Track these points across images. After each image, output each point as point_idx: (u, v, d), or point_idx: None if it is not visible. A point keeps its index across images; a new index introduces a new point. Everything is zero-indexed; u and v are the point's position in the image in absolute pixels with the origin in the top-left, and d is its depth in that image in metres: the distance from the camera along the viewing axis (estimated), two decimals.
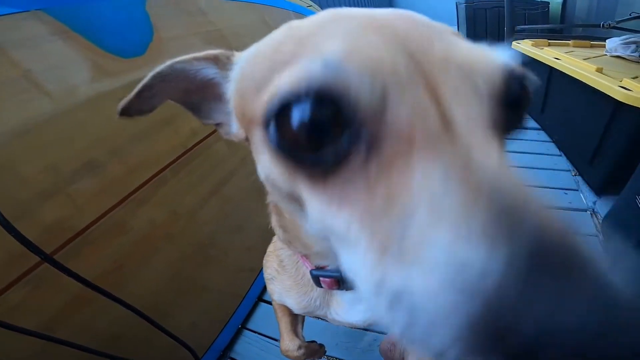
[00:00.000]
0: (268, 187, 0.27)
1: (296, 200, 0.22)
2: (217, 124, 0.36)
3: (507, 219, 0.12)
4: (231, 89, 0.30)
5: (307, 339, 0.68)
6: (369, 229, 0.16)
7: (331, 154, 0.17)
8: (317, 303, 0.48)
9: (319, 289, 0.46)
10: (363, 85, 0.16)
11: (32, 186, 0.58)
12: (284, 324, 0.63)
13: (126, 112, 0.34)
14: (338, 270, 0.38)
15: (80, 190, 0.63)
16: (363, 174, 0.17)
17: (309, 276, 0.44)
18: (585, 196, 1.52)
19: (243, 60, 0.29)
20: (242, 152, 1.01)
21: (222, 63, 0.31)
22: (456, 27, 6.10)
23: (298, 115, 0.17)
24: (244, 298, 1.08)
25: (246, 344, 1.05)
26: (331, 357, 1.00)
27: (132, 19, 0.80)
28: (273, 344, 1.01)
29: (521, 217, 0.12)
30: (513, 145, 2.00)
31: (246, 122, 0.25)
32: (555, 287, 0.11)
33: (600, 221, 1.35)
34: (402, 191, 0.15)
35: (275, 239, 0.53)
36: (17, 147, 0.57)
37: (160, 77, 0.33)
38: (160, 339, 0.79)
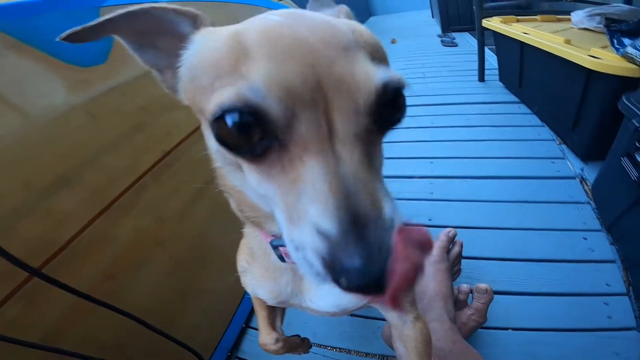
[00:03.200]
0: (217, 157, 0.33)
1: (239, 167, 0.29)
2: (157, 69, 0.38)
3: (345, 203, 0.22)
4: (186, 61, 0.32)
5: (309, 331, 0.70)
6: (283, 201, 0.24)
7: (256, 149, 0.25)
8: (289, 290, 0.50)
9: (287, 274, 0.49)
10: (275, 107, 0.23)
11: (7, 204, 0.58)
12: (261, 318, 0.65)
13: (71, 38, 0.35)
14: None
15: (57, 204, 0.63)
16: (279, 163, 0.25)
17: (279, 263, 0.47)
18: (572, 164, 1.58)
19: (199, 44, 0.31)
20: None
21: (197, 24, 0.34)
22: (429, 8, 6.26)
23: (231, 121, 0.24)
24: (244, 296, 1.10)
25: (252, 343, 1.07)
26: (335, 347, 1.02)
27: None
28: None
29: (352, 204, 0.22)
30: (496, 119, 2.09)
31: (195, 107, 0.31)
32: (354, 241, 0.21)
33: (590, 187, 1.41)
34: (299, 179, 0.23)
35: (244, 232, 0.54)
36: None
37: (130, 17, 0.33)
38: (165, 344, 0.80)
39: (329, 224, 0.21)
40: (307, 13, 0.29)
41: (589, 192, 1.41)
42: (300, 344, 0.70)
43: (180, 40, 0.33)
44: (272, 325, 0.65)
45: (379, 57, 0.28)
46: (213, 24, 0.34)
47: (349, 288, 0.21)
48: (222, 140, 0.25)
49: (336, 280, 0.21)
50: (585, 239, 1.20)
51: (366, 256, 0.20)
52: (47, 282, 0.60)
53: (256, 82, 0.23)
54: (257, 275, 0.53)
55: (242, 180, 0.31)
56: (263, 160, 0.25)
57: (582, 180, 1.48)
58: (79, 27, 0.34)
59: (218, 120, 0.24)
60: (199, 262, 0.94)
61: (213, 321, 1.00)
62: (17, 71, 0.65)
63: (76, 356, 0.63)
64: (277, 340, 0.63)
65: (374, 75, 0.25)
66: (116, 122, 0.76)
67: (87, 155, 0.69)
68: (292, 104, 0.23)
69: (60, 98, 0.69)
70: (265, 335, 0.64)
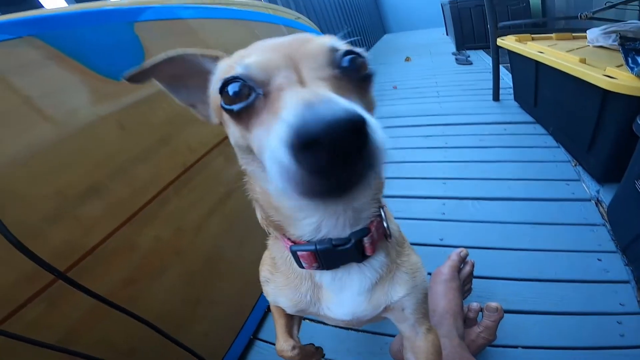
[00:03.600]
0: (237, 151, 0.42)
1: (251, 152, 0.37)
2: (191, 105, 0.51)
3: (305, 104, 0.26)
4: (213, 82, 0.43)
5: (317, 345, 0.75)
6: (269, 130, 0.30)
7: (248, 101, 0.34)
8: (308, 298, 0.55)
9: (308, 283, 0.54)
10: (258, 74, 0.34)
11: (40, 210, 0.63)
12: (280, 326, 0.70)
13: (130, 79, 0.46)
14: (313, 244, 0.46)
15: (86, 211, 0.69)
16: (266, 108, 0.33)
17: (299, 272, 0.53)
18: (588, 185, 1.58)
19: (221, 67, 0.43)
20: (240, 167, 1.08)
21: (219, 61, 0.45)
22: (443, 26, 6.40)
23: (232, 88, 0.35)
24: (253, 308, 1.14)
25: (258, 354, 1.10)
26: None
27: (122, 42, 0.85)
28: None
29: (312, 109, 0.25)
30: (510, 140, 2.11)
31: (217, 111, 0.41)
32: (310, 114, 0.25)
33: (606, 210, 1.41)
34: (279, 107, 0.30)
35: (268, 243, 0.59)
36: (22, 174, 0.62)
37: (169, 60, 0.45)
38: (175, 351, 0.84)
39: (291, 113, 0.26)
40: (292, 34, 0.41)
41: (604, 215, 1.41)
42: (314, 352, 0.75)
43: (206, 77, 0.45)
44: (290, 333, 0.70)
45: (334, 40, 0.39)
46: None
47: (304, 143, 0.24)
48: (227, 103, 0.36)
49: (295, 149, 0.25)
50: (599, 260, 1.21)
51: (314, 112, 0.25)
52: (71, 286, 0.64)
53: (249, 61, 0.35)
54: (279, 284, 0.58)
55: (262, 175, 0.39)
56: (256, 114, 0.34)
57: (598, 202, 1.48)
58: (134, 70, 0.45)
59: (223, 89, 0.36)
60: (212, 273, 0.99)
61: (222, 331, 1.04)
62: (56, 82, 0.70)
63: (90, 359, 0.66)
64: (293, 348, 0.68)
65: (326, 41, 0.37)
66: (144, 134, 0.82)
67: (117, 165, 0.75)
68: (269, 71, 0.34)
69: (94, 109, 0.75)
70: (282, 342, 0.68)
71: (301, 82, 0.33)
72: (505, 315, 0.88)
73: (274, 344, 1.08)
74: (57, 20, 0.74)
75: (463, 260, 1.04)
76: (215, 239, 1.00)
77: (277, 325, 0.70)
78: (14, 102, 0.64)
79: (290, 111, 0.26)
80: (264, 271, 0.61)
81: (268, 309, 1.21)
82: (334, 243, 0.45)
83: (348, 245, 0.46)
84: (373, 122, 0.27)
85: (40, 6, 1.13)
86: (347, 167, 0.25)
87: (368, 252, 0.48)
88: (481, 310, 0.91)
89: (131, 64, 0.84)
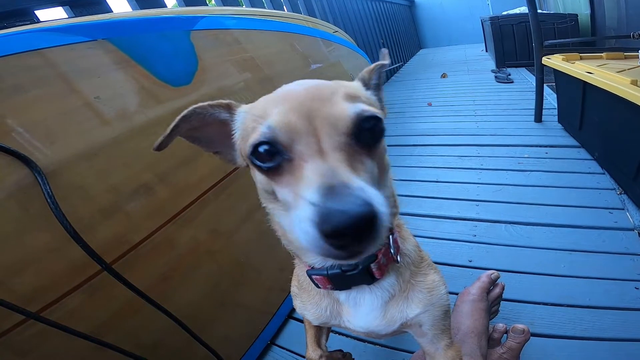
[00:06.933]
0: (261, 194, 0.49)
1: (275, 196, 0.45)
2: (215, 152, 0.58)
3: (326, 188, 0.34)
4: (237, 132, 0.51)
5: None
6: (293, 194, 0.39)
7: (275, 163, 0.41)
8: (328, 313, 0.65)
9: (327, 300, 0.64)
10: (282, 137, 0.40)
11: (97, 204, 0.74)
12: (309, 336, 0.80)
13: (160, 147, 0.53)
14: (325, 269, 0.55)
15: (135, 208, 0.79)
16: (290, 172, 0.40)
17: (319, 289, 0.62)
18: (632, 215, 1.59)
19: (243, 114, 0.51)
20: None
21: (232, 109, 0.52)
22: (482, 42, 6.47)
23: (260, 148, 0.41)
24: (274, 315, 1.22)
25: None
26: None
27: (180, 50, 0.97)
28: None
29: (330, 182, 0.35)
30: (551, 164, 2.12)
31: (244, 156, 0.48)
32: (330, 199, 0.33)
33: None
34: (301, 176, 0.38)
35: (295, 263, 0.70)
36: (86, 170, 0.73)
37: (184, 119, 0.51)
38: (195, 350, 0.92)
39: (315, 195, 0.34)
40: (310, 81, 0.48)
41: None
42: (341, 358, 0.83)
43: (221, 125, 0.53)
44: (318, 343, 0.80)
45: (352, 97, 0.45)
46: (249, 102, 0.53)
47: (331, 233, 0.32)
48: (257, 160, 0.42)
49: (323, 233, 0.32)
50: (637, 288, 1.21)
51: (338, 204, 0.32)
52: (115, 278, 0.73)
53: (272, 122, 0.41)
54: (304, 299, 0.69)
55: (281, 213, 0.48)
56: (281, 173, 0.41)
57: None
58: (161, 138, 0.52)
59: (253, 150, 0.42)
60: (239, 277, 1.08)
61: (242, 334, 1.12)
62: (122, 85, 0.81)
63: (118, 350, 0.74)
64: (320, 357, 0.77)
65: (347, 110, 0.42)
66: None
67: (164, 168, 0.86)
68: (291, 135, 0.40)
69: (150, 113, 0.85)
70: (311, 352, 0.78)
71: (320, 151, 0.39)
72: (532, 338, 0.92)
73: (291, 351, 1.20)
74: (127, 25, 0.85)
75: (493, 283, 1.09)
76: (246, 244, 1.11)
77: (307, 336, 0.81)
78: (83, 102, 0.75)
79: (313, 194, 0.34)
80: (293, 287, 0.73)
81: (288, 317, 1.30)
82: (343, 269, 0.54)
83: (356, 272, 0.55)
84: (381, 203, 0.34)
85: (110, 10, 1.28)
86: (359, 243, 0.33)
87: (377, 276, 0.57)
88: (506, 331, 0.95)
89: (186, 70, 0.96)
